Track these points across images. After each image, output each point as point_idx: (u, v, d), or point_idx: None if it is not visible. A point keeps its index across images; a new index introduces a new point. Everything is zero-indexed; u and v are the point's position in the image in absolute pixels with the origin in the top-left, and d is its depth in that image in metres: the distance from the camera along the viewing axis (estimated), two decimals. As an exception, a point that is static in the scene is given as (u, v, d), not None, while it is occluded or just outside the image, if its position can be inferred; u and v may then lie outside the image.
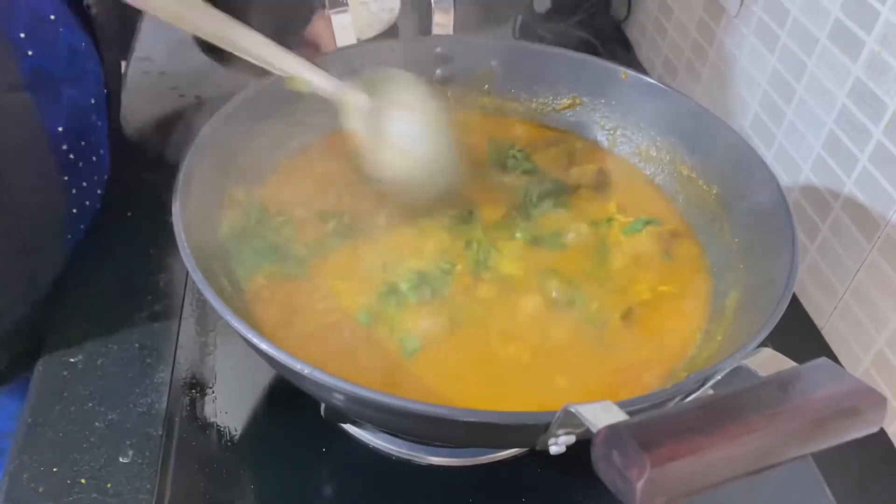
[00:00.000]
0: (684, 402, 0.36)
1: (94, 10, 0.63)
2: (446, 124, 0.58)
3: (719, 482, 0.31)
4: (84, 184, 0.67)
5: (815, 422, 0.32)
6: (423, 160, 0.58)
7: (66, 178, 0.64)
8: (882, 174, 0.64)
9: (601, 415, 0.33)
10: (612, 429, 0.31)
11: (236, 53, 0.56)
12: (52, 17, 0.59)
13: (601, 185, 0.67)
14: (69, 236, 0.67)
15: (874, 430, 0.33)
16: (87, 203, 0.69)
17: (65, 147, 0.63)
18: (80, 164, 0.66)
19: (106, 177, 0.71)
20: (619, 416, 0.33)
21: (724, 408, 0.32)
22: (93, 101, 0.66)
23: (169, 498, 0.52)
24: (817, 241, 0.72)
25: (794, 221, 0.52)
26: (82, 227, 0.69)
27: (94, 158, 0.68)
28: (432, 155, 0.58)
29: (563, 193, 0.65)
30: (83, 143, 0.65)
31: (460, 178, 0.61)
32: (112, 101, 0.71)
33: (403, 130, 0.57)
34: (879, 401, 0.33)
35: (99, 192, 0.70)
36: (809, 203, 0.73)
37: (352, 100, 0.58)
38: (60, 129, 0.61)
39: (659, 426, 0.31)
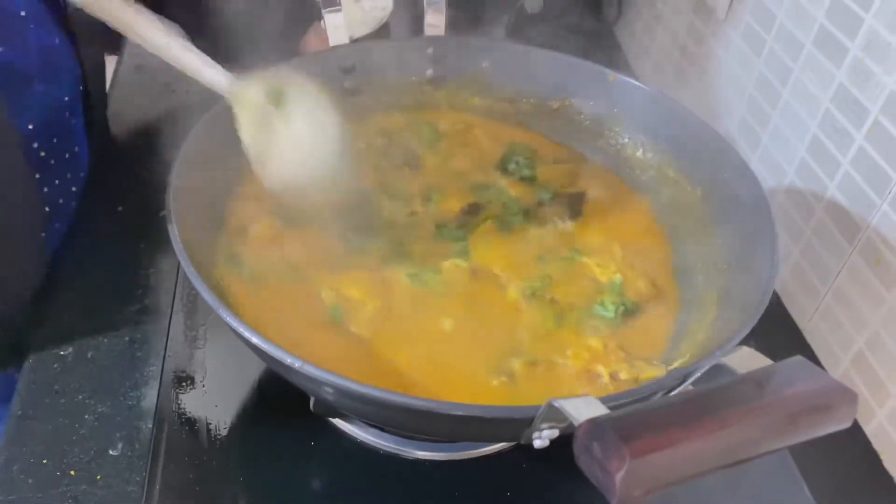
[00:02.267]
0: (664, 398, 0.37)
1: (70, 8, 0.63)
2: (342, 134, 0.55)
3: (696, 474, 0.32)
4: (56, 181, 0.67)
5: (789, 417, 0.33)
6: (316, 167, 0.54)
7: (37, 175, 0.64)
8: (863, 178, 0.65)
9: (583, 409, 0.34)
10: (594, 422, 0.32)
11: (137, 41, 0.54)
12: (23, 13, 0.58)
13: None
14: (44, 234, 0.67)
15: (846, 426, 0.34)
16: (62, 201, 0.69)
17: (35, 145, 0.62)
18: (52, 161, 0.65)
19: (83, 174, 0.71)
20: (600, 410, 0.34)
21: (702, 403, 0.33)
22: (66, 99, 0.65)
23: (158, 490, 0.53)
24: (801, 244, 0.73)
25: (776, 224, 0.53)
26: (58, 225, 0.69)
27: (66, 156, 0.67)
28: (326, 162, 0.54)
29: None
30: (55, 140, 0.65)
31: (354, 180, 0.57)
32: (93, 98, 0.70)
33: (299, 135, 0.53)
34: (851, 398, 0.34)
35: (74, 189, 0.70)
36: (793, 205, 0.74)
37: (245, 95, 0.54)
38: (31, 126, 0.61)
39: (639, 420, 0.32)
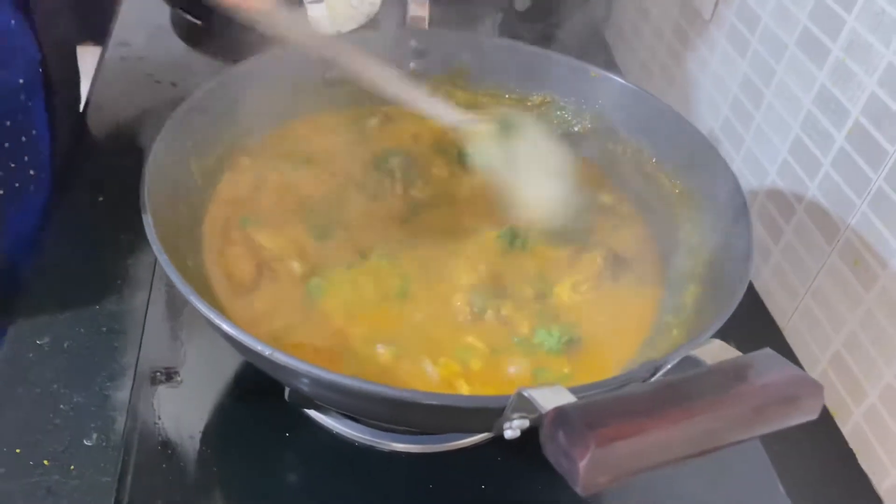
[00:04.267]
0: (631, 387, 0.37)
1: None
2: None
3: (662, 463, 0.32)
4: (11, 164, 0.66)
5: (756, 408, 0.33)
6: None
7: None
8: (843, 179, 0.65)
9: (551, 398, 0.34)
10: (560, 410, 0.32)
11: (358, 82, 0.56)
12: None
13: None
14: (3, 220, 0.66)
15: (812, 417, 0.34)
16: (17, 185, 0.67)
17: None
18: (6, 144, 0.64)
19: (43, 158, 0.70)
20: (568, 399, 0.33)
21: (669, 393, 0.33)
22: (21, 82, 0.64)
23: (130, 481, 0.52)
24: (781, 244, 0.74)
25: (752, 220, 0.54)
26: (13, 209, 0.68)
27: (23, 139, 0.66)
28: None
29: None
30: (8, 122, 0.64)
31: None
32: (57, 82, 0.69)
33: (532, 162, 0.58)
34: (817, 390, 0.34)
35: (32, 172, 0.69)
36: (774, 206, 0.75)
37: (479, 130, 0.58)
38: None
39: (604, 408, 0.32)
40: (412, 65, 0.70)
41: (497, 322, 0.56)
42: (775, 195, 0.74)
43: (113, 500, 0.51)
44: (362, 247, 0.60)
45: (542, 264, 0.61)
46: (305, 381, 0.42)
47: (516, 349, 0.55)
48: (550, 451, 0.31)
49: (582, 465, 0.29)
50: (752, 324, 0.75)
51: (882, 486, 0.61)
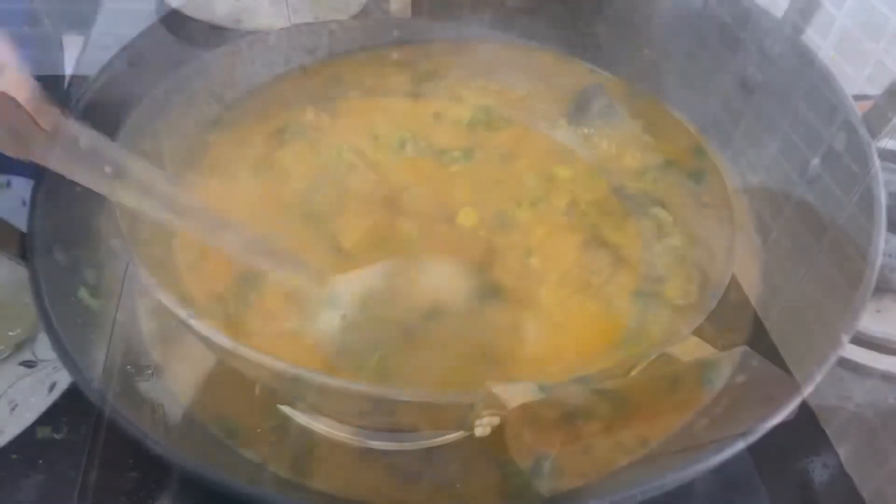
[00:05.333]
0: (601, 386, 0.36)
1: None
2: None
3: (632, 462, 0.31)
4: None
5: (730, 406, 0.32)
6: None
7: None
8: (831, 176, 0.64)
9: (519, 395, 0.32)
10: (526, 408, 0.31)
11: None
12: None
13: None
14: None
15: (788, 416, 0.33)
16: None
17: None
18: None
19: None
20: (536, 395, 0.32)
21: (640, 390, 0.32)
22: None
23: (95, 476, 0.51)
24: (769, 242, 0.73)
25: (736, 218, 0.53)
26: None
27: None
28: None
29: None
30: None
31: None
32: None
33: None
34: (793, 388, 0.33)
35: None
36: (763, 204, 0.74)
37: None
38: None
39: (572, 406, 0.31)
40: (394, 55, 0.69)
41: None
42: (764, 193, 0.74)
43: (76, 494, 0.50)
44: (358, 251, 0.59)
45: (531, 241, 0.60)
46: (271, 376, 0.41)
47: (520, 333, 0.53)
48: (515, 450, 0.30)
49: (546, 463, 0.28)
50: (738, 324, 0.74)
51: (867, 489, 0.60)
